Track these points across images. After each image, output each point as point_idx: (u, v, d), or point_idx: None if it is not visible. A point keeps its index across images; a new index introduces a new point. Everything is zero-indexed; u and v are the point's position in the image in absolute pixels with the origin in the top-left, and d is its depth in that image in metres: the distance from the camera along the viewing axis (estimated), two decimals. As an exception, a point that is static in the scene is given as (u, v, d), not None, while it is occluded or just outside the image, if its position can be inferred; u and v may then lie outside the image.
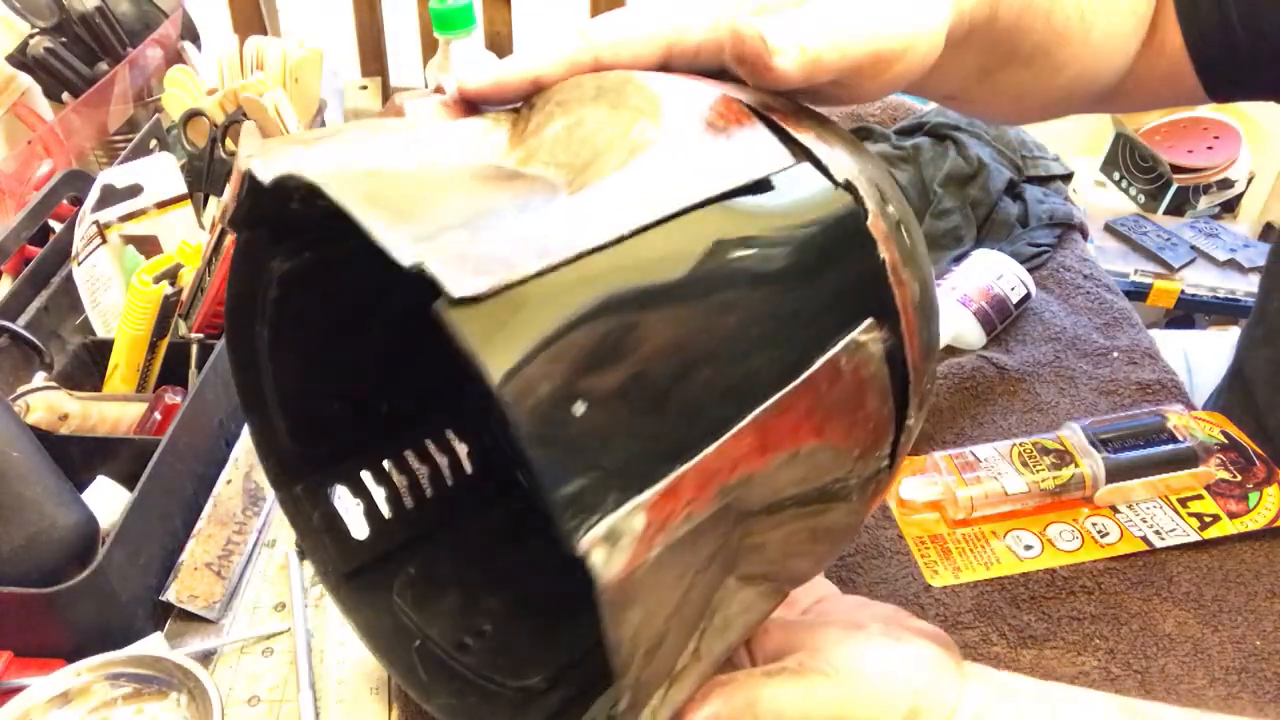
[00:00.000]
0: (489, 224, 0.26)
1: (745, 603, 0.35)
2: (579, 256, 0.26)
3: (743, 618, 0.36)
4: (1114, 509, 0.58)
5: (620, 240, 0.27)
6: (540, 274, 0.25)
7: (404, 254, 0.23)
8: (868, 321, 0.32)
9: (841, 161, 0.34)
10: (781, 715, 0.36)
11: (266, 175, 0.28)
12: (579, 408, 0.24)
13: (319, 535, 0.45)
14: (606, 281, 0.26)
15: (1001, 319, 0.73)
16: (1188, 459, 0.58)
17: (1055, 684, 0.40)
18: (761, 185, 0.31)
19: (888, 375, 0.33)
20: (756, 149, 0.32)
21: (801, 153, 0.33)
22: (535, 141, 0.32)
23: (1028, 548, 0.57)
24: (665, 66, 0.36)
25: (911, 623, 0.43)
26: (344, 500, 0.46)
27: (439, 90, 0.36)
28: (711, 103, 0.33)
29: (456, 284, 0.23)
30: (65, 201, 0.77)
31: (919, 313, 0.35)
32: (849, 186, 0.33)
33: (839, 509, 0.35)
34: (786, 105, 0.35)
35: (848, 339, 0.31)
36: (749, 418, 0.29)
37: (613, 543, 0.25)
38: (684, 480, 0.27)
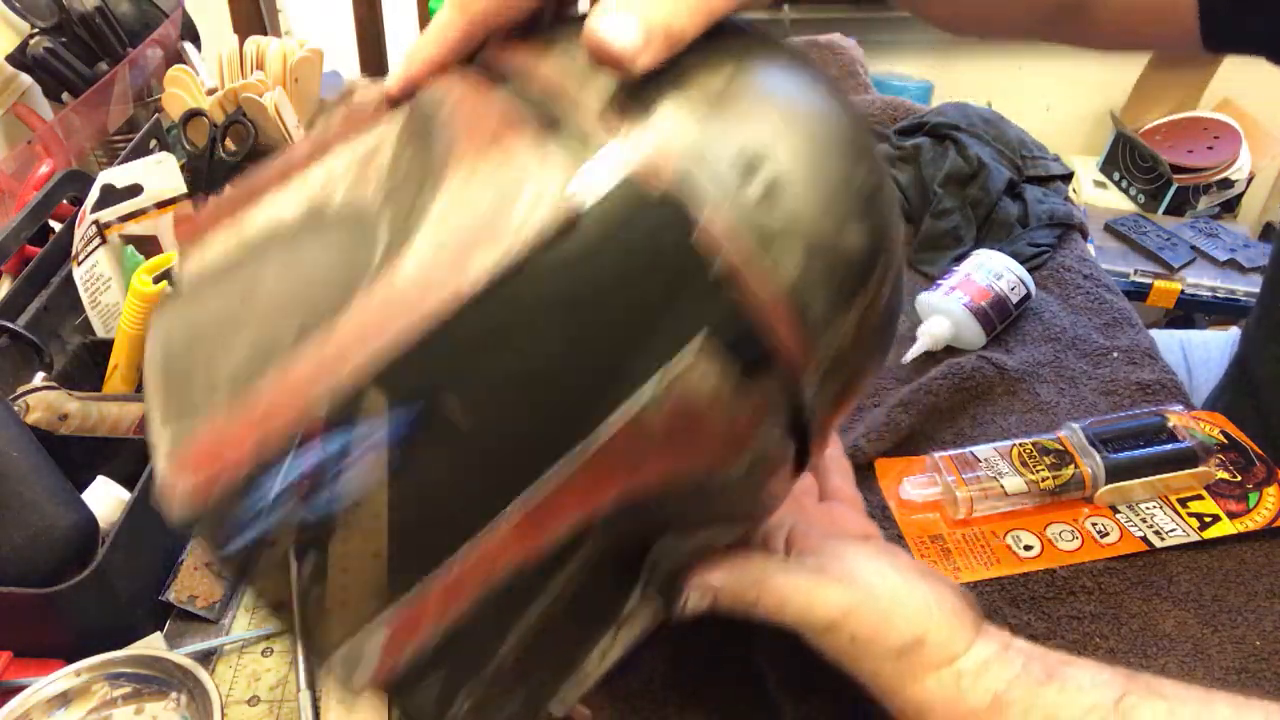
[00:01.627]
0: (259, 371, 0.27)
1: (704, 540, 0.35)
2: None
3: (708, 547, 0.36)
4: (1114, 509, 0.58)
5: (387, 365, 0.26)
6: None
7: (157, 463, 0.27)
8: (695, 342, 0.28)
9: (676, 141, 0.28)
10: (785, 603, 0.37)
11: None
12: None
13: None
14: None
15: (1001, 319, 0.73)
16: (1187, 459, 0.58)
17: (1067, 656, 0.39)
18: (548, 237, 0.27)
19: (731, 390, 0.29)
20: (533, 194, 0.27)
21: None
22: (382, 168, 0.31)
23: (1027, 548, 0.57)
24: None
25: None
26: None
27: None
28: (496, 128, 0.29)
29: (175, 508, 0.27)
30: (65, 201, 0.77)
31: (801, 291, 0.29)
32: (682, 178, 0.28)
33: (724, 496, 0.33)
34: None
35: (654, 382, 0.28)
36: (515, 509, 0.27)
37: (352, 665, 0.26)
38: (429, 592, 0.27)
